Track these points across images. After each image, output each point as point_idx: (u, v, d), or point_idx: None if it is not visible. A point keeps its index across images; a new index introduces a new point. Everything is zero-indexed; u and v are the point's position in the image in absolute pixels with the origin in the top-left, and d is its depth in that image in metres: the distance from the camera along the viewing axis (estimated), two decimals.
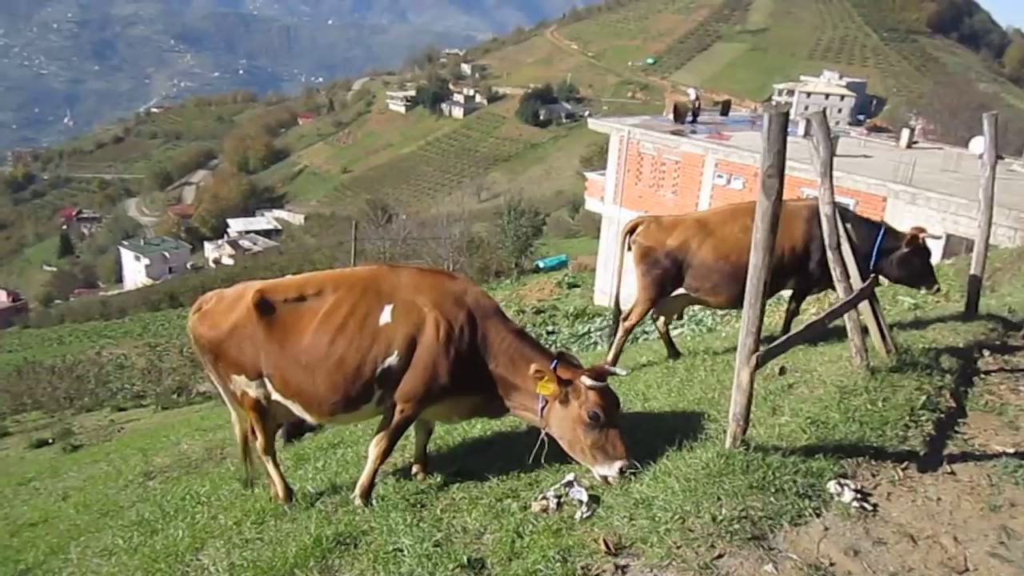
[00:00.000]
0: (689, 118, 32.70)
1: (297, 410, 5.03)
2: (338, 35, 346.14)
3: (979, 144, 8.90)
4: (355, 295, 4.83)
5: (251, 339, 4.87)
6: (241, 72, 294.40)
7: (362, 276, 5.03)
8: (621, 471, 4.54)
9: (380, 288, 4.85)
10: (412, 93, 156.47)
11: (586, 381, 4.58)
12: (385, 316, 4.75)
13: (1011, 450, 5.34)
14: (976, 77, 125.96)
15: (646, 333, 18.16)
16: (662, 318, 8.58)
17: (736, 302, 7.46)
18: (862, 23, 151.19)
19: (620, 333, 8.23)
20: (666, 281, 7.73)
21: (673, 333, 16.46)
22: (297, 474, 6.43)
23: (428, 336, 4.68)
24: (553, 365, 4.69)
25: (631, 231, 7.94)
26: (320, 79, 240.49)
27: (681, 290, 7.80)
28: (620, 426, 4.68)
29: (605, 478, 4.59)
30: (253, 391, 5.01)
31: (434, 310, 4.70)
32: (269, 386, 4.97)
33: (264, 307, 4.84)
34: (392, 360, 4.72)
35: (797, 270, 7.63)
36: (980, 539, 4.27)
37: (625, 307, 8.24)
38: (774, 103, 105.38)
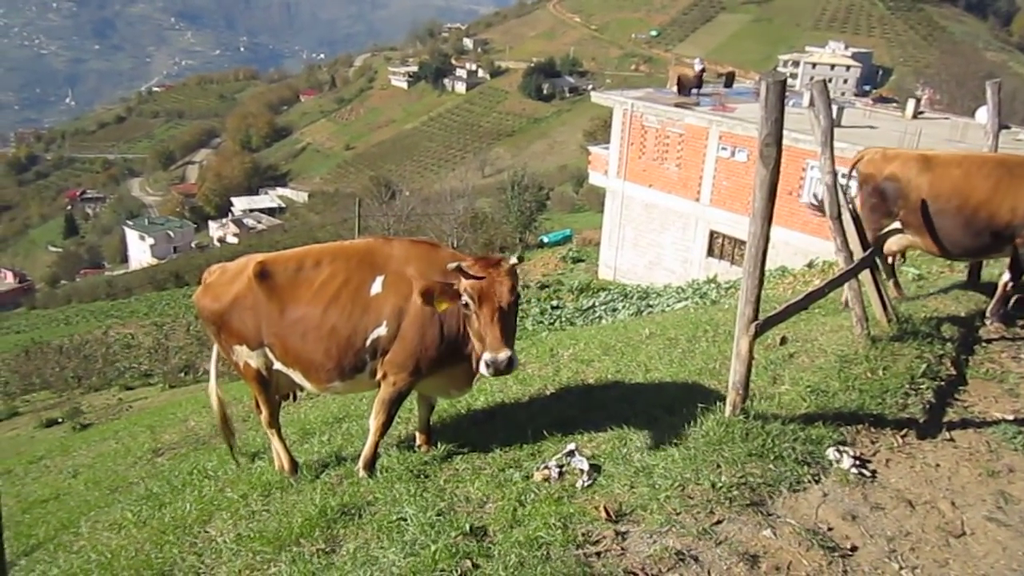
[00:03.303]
0: (693, 89, 32.54)
1: (298, 378, 5.11)
2: (339, 11, 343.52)
3: (985, 114, 8.82)
4: (350, 266, 4.89)
5: (252, 310, 4.95)
6: (242, 49, 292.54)
7: (358, 248, 5.08)
8: (493, 363, 4.23)
9: (374, 260, 4.90)
10: (414, 68, 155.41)
11: (451, 265, 4.39)
12: (376, 287, 4.80)
13: (1011, 417, 5.38)
14: (983, 46, 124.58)
15: (650, 307, 18.19)
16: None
17: (941, 249, 7.31)
18: None
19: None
20: (883, 211, 7.57)
21: (677, 306, 16.53)
22: (303, 447, 6.50)
23: (415, 307, 4.71)
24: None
25: (857, 162, 7.86)
26: (322, 55, 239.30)
27: (897, 224, 7.55)
28: (506, 315, 4.34)
29: (484, 374, 4.40)
30: (254, 361, 5.09)
31: (421, 280, 4.74)
32: (270, 355, 5.04)
33: (264, 278, 4.91)
34: (381, 330, 4.77)
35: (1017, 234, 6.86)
36: (978, 504, 4.32)
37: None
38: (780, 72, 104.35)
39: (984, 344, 6.79)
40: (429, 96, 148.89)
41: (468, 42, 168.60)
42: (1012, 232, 6.80)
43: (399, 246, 5.03)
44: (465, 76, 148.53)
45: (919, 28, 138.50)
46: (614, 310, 18.70)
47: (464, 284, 4.35)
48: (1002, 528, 4.11)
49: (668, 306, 17.18)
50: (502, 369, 4.24)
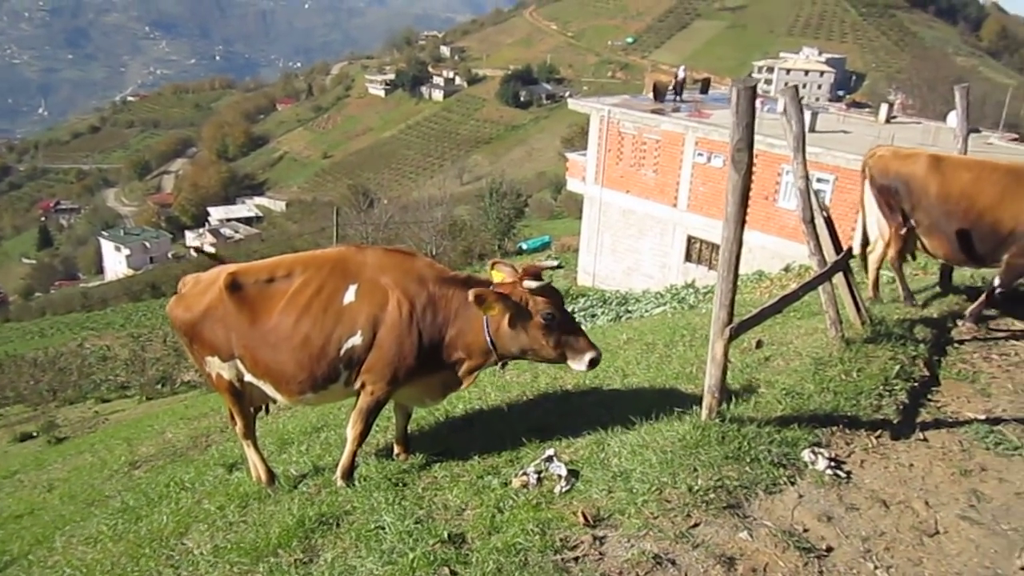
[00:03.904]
0: (671, 95, 32.83)
1: (269, 390, 5.07)
2: (315, 19, 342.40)
3: (952, 119, 8.98)
4: (322, 276, 4.86)
5: (223, 320, 4.91)
6: (218, 58, 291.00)
7: (330, 257, 5.04)
8: (592, 361, 4.69)
9: (346, 268, 4.87)
10: (391, 77, 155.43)
11: (528, 285, 4.59)
12: (349, 296, 4.77)
13: (983, 417, 5.45)
14: (953, 51, 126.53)
15: (629, 312, 18.28)
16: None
17: (946, 253, 7.33)
18: None
19: (871, 264, 8.01)
20: (895, 207, 7.53)
21: (655, 311, 16.62)
22: (281, 458, 6.45)
23: (391, 316, 4.71)
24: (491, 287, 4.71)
25: (868, 160, 7.82)
26: (298, 64, 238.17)
27: (913, 223, 7.51)
28: (573, 319, 4.81)
29: (581, 370, 4.78)
30: (226, 373, 5.05)
31: (397, 289, 4.72)
32: (241, 367, 5.01)
33: (235, 288, 4.87)
34: (356, 340, 4.74)
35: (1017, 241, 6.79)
36: (951, 503, 4.38)
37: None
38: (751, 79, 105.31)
39: (956, 345, 6.87)
40: (406, 104, 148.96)
41: (445, 50, 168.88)
42: (1013, 241, 6.77)
43: (372, 254, 5.02)
44: (442, 84, 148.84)
45: (891, 34, 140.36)
46: (593, 316, 18.77)
47: (543, 301, 4.62)
48: (975, 526, 4.16)
49: (647, 311, 17.28)
50: (598, 362, 4.75)
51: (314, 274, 4.89)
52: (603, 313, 18.70)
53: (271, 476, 5.49)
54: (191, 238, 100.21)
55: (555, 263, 4.91)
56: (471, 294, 4.52)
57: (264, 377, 4.98)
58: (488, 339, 4.74)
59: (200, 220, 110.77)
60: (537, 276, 4.63)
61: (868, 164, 7.65)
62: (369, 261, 4.92)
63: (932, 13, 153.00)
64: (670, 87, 33.77)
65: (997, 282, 6.95)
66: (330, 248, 5.55)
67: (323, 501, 4.91)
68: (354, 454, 5.15)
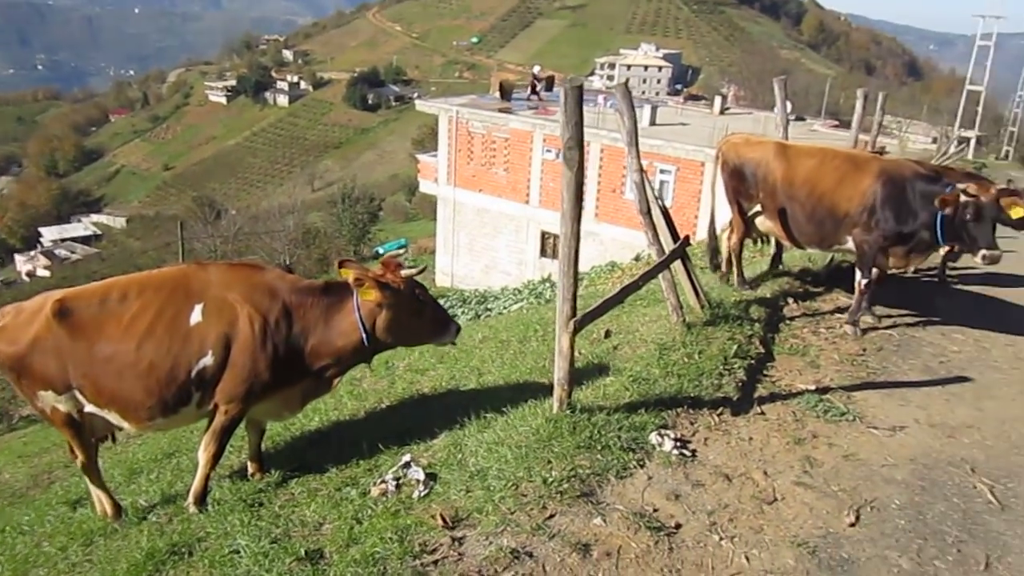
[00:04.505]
0: (525, 94, 33.51)
1: (115, 419, 4.81)
2: (147, 25, 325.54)
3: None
4: (162, 297, 4.65)
5: (54, 351, 4.60)
6: (40, 68, 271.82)
7: (169, 276, 4.83)
8: (458, 330, 5.06)
9: (189, 287, 4.69)
10: (233, 83, 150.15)
11: (404, 273, 4.76)
12: (196, 315, 4.59)
13: (813, 387, 5.86)
14: (778, 45, 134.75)
15: (488, 310, 18.42)
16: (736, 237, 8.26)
17: (789, 236, 7.59)
18: None
19: (727, 247, 8.25)
20: (744, 193, 7.79)
21: (513, 308, 16.81)
22: (130, 488, 6.12)
23: (243, 333, 4.57)
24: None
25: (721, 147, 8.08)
26: (131, 72, 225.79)
27: (758, 207, 7.79)
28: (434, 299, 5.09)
29: (452, 342, 5.14)
30: (63, 406, 4.74)
31: (246, 305, 4.59)
32: (80, 397, 4.72)
33: (64, 316, 4.58)
34: (207, 360, 4.58)
35: (856, 224, 7.06)
36: (787, 470, 4.67)
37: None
38: (597, 76, 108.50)
39: (788, 322, 7.33)
40: (250, 111, 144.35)
41: (288, 54, 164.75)
42: (851, 224, 7.09)
43: (216, 271, 4.85)
44: (287, 88, 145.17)
45: (721, 29, 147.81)
46: (453, 316, 18.77)
47: (414, 285, 4.82)
48: (808, 491, 4.46)
49: (505, 308, 17.46)
50: (460, 329, 5.15)
51: (153, 296, 4.67)
52: (463, 313, 18.74)
53: (117, 509, 5.20)
54: (22, 262, 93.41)
55: (422, 268, 4.98)
56: (350, 276, 4.61)
57: (109, 406, 4.72)
58: (362, 334, 4.72)
59: (31, 242, 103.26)
60: (400, 266, 4.78)
61: (722, 150, 8.04)
62: (213, 278, 4.75)
63: (758, 9, 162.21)
64: (530, 85, 34.30)
65: (859, 276, 7.20)
66: (169, 267, 5.31)
67: (174, 530, 4.70)
68: (207, 477, 4.96)
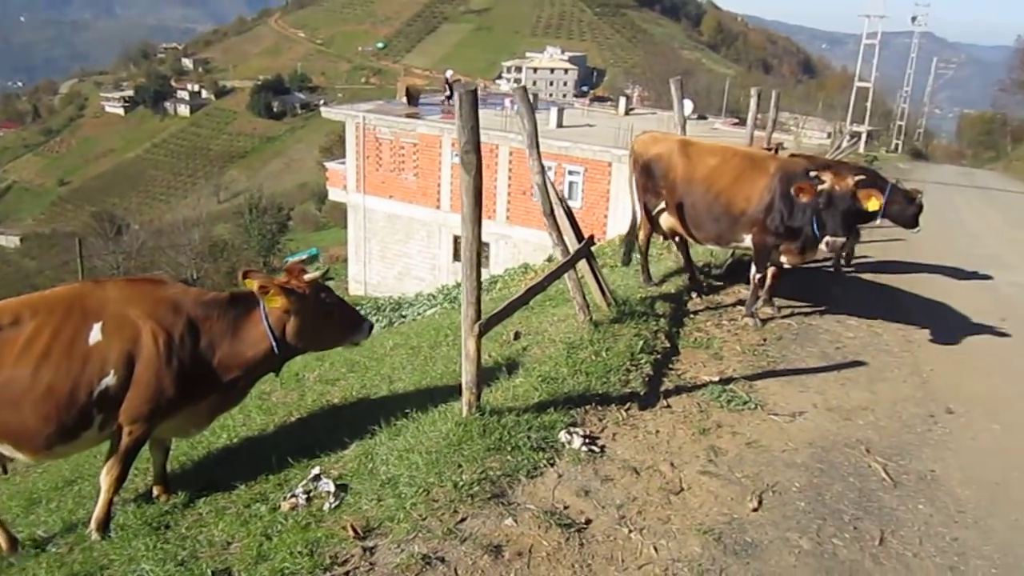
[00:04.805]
0: (442, 96, 33.37)
1: (8, 451, 4.57)
2: (34, 34, 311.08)
3: (686, 106, 9.84)
4: (57, 317, 4.45)
5: None
6: None
7: (64, 296, 4.63)
8: (370, 328, 5.07)
9: (86, 306, 4.50)
10: (130, 93, 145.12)
11: (308, 277, 4.75)
12: (95, 335, 4.42)
13: (716, 378, 6.02)
14: (679, 46, 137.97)
15: (403, 317, 18.29)
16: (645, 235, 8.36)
17: (688, 231, 7.68)
18: None
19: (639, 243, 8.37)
20: (651, 189, 7.86)
21: (428, 313, 16.74)
22: (28, 519, 5.85)
23: (146, 349, 4.43)
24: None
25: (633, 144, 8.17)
26: (19, 83, 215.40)
27: (662, 204, 7.84)
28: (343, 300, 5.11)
29: (364, 339, 5.13)
30: None
31: (149, 321, 4.45)
32: None
33: None
34: (109, 380, 4.41)
35: (754, 222, 7.19)
36: (693, 461, 4.79)
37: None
38: (504, 80, 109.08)
39: (692, 316, 7.52)
40: (150, 121, 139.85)
41: (187, 62, 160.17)
42: (748, 222, 7.25)
43: (115, 288, 4.67)
44: (188, 98, 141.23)
45: (624, 31, 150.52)
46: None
47: (320, 289, 4.80)
48: (713, 479, 4.58)
49: (420, 314, 17.35)
50: (372, 327, 5.17)
51: (47, 317, 4.46)
52: (377, 321, 18.55)
53: (13, 543, 4.95)
54: None
55: (325, 270, 5.00)
56: (255, 285, 4.55)
57: (2, 438, 4.49)
58: (272, 342, 4.66)
59: None
60: (304, 271, 4.78)
61: (634, 148, 8.19)
62: (112, 295, 4.58)
63: (658, 11, 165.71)
64: (445, 89, 34.16)
65: (753, 270, 7.40)
66: (63, 286, 5.09)
67: (75, 560, 4.52)
68: (110, 502, 4.78)
